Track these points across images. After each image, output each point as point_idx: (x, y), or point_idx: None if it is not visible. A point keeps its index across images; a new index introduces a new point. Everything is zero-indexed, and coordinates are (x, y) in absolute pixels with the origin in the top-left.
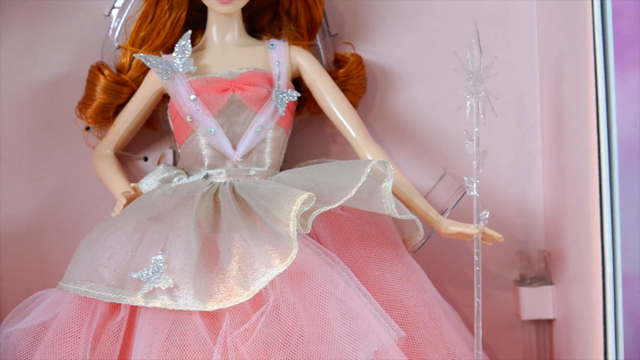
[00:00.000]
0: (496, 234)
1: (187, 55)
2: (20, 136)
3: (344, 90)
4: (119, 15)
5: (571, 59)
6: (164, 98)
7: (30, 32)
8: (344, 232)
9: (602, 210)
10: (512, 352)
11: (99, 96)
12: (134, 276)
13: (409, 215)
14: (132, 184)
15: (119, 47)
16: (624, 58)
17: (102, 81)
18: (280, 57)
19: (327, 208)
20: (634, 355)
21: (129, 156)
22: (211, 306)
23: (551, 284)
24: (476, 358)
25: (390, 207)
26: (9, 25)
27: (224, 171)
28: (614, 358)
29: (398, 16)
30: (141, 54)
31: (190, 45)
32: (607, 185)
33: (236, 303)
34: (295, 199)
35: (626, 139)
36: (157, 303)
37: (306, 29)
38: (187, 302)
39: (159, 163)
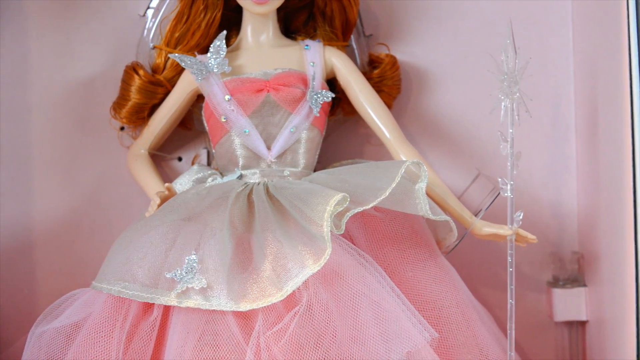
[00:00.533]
0: (530, 236)
1: (222, 56)
2: (55, 136)
3: (379, 91)
4: (154, 16)
5: (606, 60)
6: (199, 98)
7: (65, 32)
8: (377, 233)
9: (636, 212)
10: (544, 354)
11: (134, 96)
12: (168, 276)
13: (443, 216)
14: (166, 184)
15: (154, 47)
16: None
17: (137, 81)
18: (315, 57)
19: (361, 209)
20: None
21: (163, 156)
22: (244, 306)
23: (584, 285)
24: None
25: (424, 208)
26: (44, 24)
27: (258, 171)
28: None
29: (433, 17)
30: (176, 54)
31: (225, 46)
32: None
33: (269, 303)
34: (329, 200)
35: None
36: (190, 303)
37: (341, 29)
38: (221, 302)
39: (193, 163)
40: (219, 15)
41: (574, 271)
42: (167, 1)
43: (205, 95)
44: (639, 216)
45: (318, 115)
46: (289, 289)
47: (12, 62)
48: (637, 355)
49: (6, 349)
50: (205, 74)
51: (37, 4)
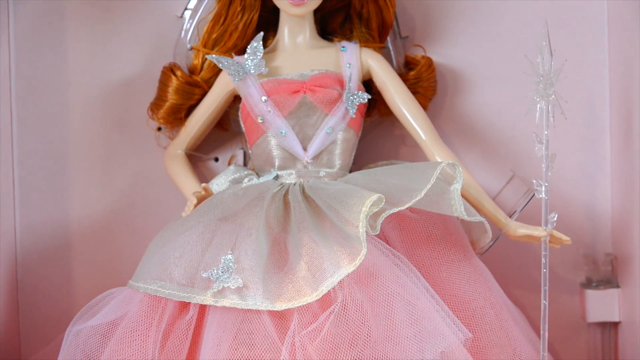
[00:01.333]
0: (564, 237)
1: (259, 57)
2: (93, 136)
3: (414, 92)
4: (192, 17)
5: None
6: (235, 99)
7: (103, 33)
8: (412, 234)
9: None
10: (577, 354)
11: (171, 97)
12: (204, 275)
13: (478, 218)
14: (203, 184)
15: (191, 48)
16: None
17: (174, 82)
18: (352, 59)
19: (396, 210)
20: None
21: (199, 156)
22: (280, 306)
23: (617, 287)
24: None
25: (459, 209)
26: (82, 24)
27: (294, 172)
28: None
29: (469, 19)
30: (213, 56)
31: (262, 47)
32: None
33: (305, 303)
34: (365, 201)
35: None
36: (226, 302)
37: (377, 31)
38: (256, 301)
39: (229, 163)
40: (256, 16)
41: (607, 273)
42: (205, 2)
43: (242, 96)
44: None
45: (354, 116)
46: (324, 289)
47: (51, 64)
48: None
49: (44, 347)
50: (242, 75)
51: (75, 5)
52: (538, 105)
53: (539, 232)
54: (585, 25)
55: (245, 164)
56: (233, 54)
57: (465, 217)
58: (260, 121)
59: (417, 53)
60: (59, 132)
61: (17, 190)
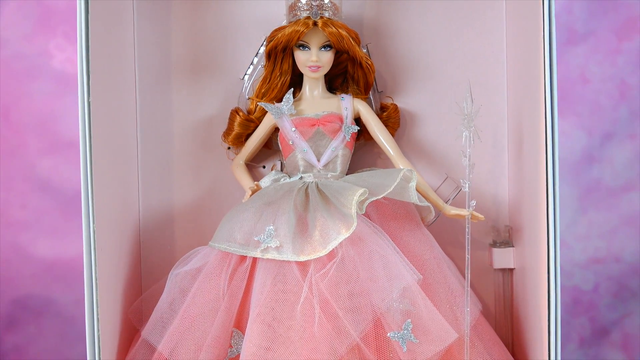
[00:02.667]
0: (480, 215)
1: (290, 103)
2: (188, 152)
3: (386, 125)
4: (249, 79)
5: (528, 105)
6: (276, 130)
7: (196, 87)
8: (384, 213)
9: (547, 201)
10: (487, 288)
11: (236, 129)
12: (255, 239)
13: (425, 203)
14: (255, 182)
15: (249, 98)
16: (566, 102)
17: (238, 119)
18: (348, 105)
19: (375, 198)
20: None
21: (253, 165)
22: (302, 258)
23: (512, 246)
24: (466, 294)
25: (414, 198)
26: (183, 81)
27: (311, 175)
28: (554, 288)
29: (420, 79)
30: (262, 103)
31: (292, 97)
32: (552, 185)
33: (318, 256)
34: (356, 192)
35: (566, 156)
36: (269, 256)
37: (363, 88)
38: (288, 255)
39: (272, 169)
40: (289, 79)
41: (505, 237)
42: (257, 70)
43: (280, 127)
44: (550, 204)
45: (349, 140)
46: (330, 247)
47: (160, 107)
48: (548, 290)
49: (154, 284)
50: (279, 114)
51: (177, 67)
52: (463, 134)
53: (464, 212)
54: (493, 84)
55: (282, 170)
56: (274, 102)
57: (418, 203)
58: (290, 143)
59: (388, 101)
60: (166, 148)
61: (141, 183)
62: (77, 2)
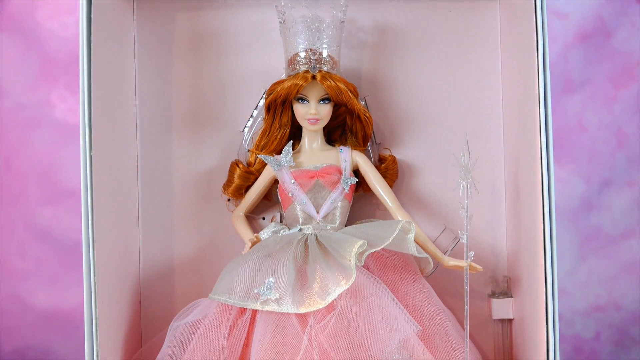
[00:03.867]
0: (478, 266)
1: (289, 156)
2: (189, 203)
3: (384, 177)
4: (249, 131)
5: (525, 155)
6: (275, 181)
7: (196, 141)
8: (383, 264)
9: (545, 250)
10: (486, 339)
11: (236, 181)
12: (255, 291)
13: (424, 254)
14: (255, 234)
15: (249, 150)
16: (563, 149)
17: (238, 171)
18: (346, 157)
19: (373, 250)
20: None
21: (253, 217)
22: (302, 310)
23: (511, 297)
24: (465, 345)
25: (412, 249)
26: (184, 136)
27: (311, 226)
28: (552, 338)
29: (419, 131)
30: (261, 155)
31: (291, 150)
32: (548, 234)
33: (317, 308)
34: (355, 244)
35: (564, 203)
36: (269, 308)
37: (362, 140)
38: (288, 307)
39: (271, 221)
40: (288, 131)
41: (504, 288)
42: (257, 122)
43: (279, 179)
44: (547, 254)
45: (348, 192)
46: (329, 299)
47: (161, 159)
48: (547, 340)
49: (154, 335)
50: (279, 167)
51: (178, 119)
52: (461, 185)
53: (462, 263)
54: (490, 134)
55: (281, 221)
56: (274, 154)
57: (416, 254)
58: (290, 195)
59: (386, 153)
60: (168, 198)
61: (141, 234)
62: (80, 53)
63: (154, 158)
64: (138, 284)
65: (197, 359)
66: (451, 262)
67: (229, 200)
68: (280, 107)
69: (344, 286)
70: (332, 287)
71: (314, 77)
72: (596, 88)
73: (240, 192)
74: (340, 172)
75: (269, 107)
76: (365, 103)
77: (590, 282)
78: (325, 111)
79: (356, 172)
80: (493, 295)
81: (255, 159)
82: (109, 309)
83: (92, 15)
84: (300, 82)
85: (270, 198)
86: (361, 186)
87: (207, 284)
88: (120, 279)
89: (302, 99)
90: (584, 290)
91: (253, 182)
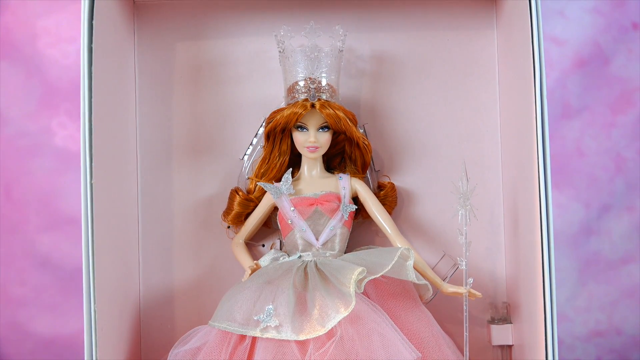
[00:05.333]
0: (477, 293)
1: (289, 183)
2: (188, 230)
3: (383, 204)
4: (248, 159)
5: (523, 181)
6: (275, 209)
7: (196, 168)
8: (383, 291)
9: (544, 277)
10: None
11: (235, 208)
12: (255, 318)
13: (423, 281)
14: (255, 262)
15: (248, 178)
16: (562, 175)
17: (237, 199)
18: (345, 184)
19: (373, 277)
20: None
21: (253, 244)
22: (302, 337)
23: (510, 323)
24: None
25: (411, 276)
26: (183, 162)
27: (310, 253)
28: None
29: (417, 159)
30: (261, 182)
31: (290, 177)
32: (547, 260)
33: (317, 335)
34: (354, 271)
35: (563, 229)
36: (269, 335)
37: (361, 167)
38: (287, 334)
39: (271, 248)
40: (287, 159)
41: (504, 314)
42: (257, 150)
43: (279, 207)
44: (546, 280)
45: (347, 219)
46: (329, 326)
47: (161, 187)
48: None
49: None
50: (279, 194)
51: (178, 147)
52: (460, 212)
53: (461, 289)
54: (488, 161)
55: (280, 248)
56: (273, 182)
57: (416, 281)
58: (289, 222)
59: (385, 180)
60: (168, 225)
61: (141, 261)
62: (81, 81)
63: (154, 185)
64: (138, 310)
65: None
66: (450, 288)
67: (228, 227)
68: (279, 135)
69: (343, 313)
70: (331, 314)
71: (313, 106)
72: (594, 114)
73: (240, 219)
74: (339, 199)
75: (268, 135)
76: (364, 131)
77: (591, 307)
78: (324, 139)
79: (355, 200)
80: (492, 321)
81: (255, 187)
82: (109, 335)
83: (93, 44)
84: (300, 111)
85: (270, 225)
86: (360, 213)
87: (207, 311)
88: (120, 306)
89: (302, 127)
90: (584, 315)
91: (253, 210)
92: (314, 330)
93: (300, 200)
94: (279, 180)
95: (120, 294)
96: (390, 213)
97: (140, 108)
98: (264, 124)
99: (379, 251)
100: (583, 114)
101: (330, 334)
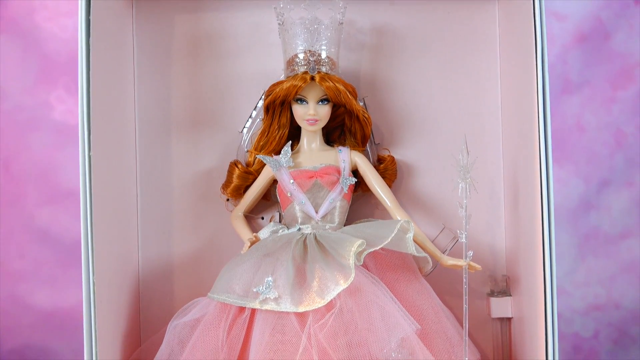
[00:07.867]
0: (477, 265)
1: (288, 156)
2: (188, 203)
3: (383, 177)
4: (248, 132)
5: (523, 155)
6: (274, 182)
7: (195, 141)
8: (382, 264)
9: (544, 250)
10: (485, 338)
11: (235, 181)
12: (254, 290)
13: (423, 254)
14: (254, 234)
15: (247, 151)
16: (562, 150)
17: (237, 172)
18: (345, 157)
19: (372, 249)
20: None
21: (252, 217)
22: (301, 309)
23: (510, 295)
24: (464, 343)
25: (411, 248)
26: (182, 136)
27: (310, 226)
28: (551, 337)
29: (417, 132)
30: (260, 155)
31: (290, 150)
32: (547, 234)
33: (316, 307)
34: (354, 243)
35: (563, 203)
36: (267, 307)
37: (360, 140)
38: (287, 306)
39: (270, 221)
40: (287, 131)
41: (503, 287)
42: (256, 122)
43: (278, 179)
44: (546, 253)
45: (346, 192)
46: (328, 298)
47: (160, 160)
48: (546, 339)
49: (153, 334)
50: (278, 167)
51: (177, 121)
52: (460, 185)
53: (461, 262)
54: (488, 135)
55: (280, 221)
56: (273, 154)
57: (415, 254)
58: (289, 195)
59: (385, 153)
60: (167, 198)
61: (140, 233)
62: (79, 54)
63: (153, 158)
64: (137, 283)
65: (195, 358)
66: (450, 261)
67: (227, 200)
68: (279, 107)
69: (343, 285)
70: (331, 286)
71: (312, 78)
72: (595, 89)
73: (239, 192)
74: (339, 172)
75: (267, 108)
76: (364, 104)
77: (589, 281)
78: (324, 112)
79: (355, 172)
80: (492, 294)
81: (254, 160)
82: (108, 308)
83: (90, 17)
84: (299, 83)
85: (269, 198)
86: (360, 186)
87: (206, 283)
88: (119, 279)
89: (301, 100)
90: (583, 289)
91: (252, 182)
92: (313, 302)
93: (300, 173)
94: (278, 153)
95: (119, 266)
96: (390, 186)
97: (139, 81)
98: (263, 96)
99: (378, 224)
100: (583, 89)
101: (329, 306)
